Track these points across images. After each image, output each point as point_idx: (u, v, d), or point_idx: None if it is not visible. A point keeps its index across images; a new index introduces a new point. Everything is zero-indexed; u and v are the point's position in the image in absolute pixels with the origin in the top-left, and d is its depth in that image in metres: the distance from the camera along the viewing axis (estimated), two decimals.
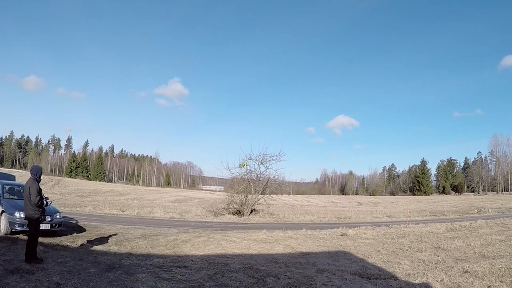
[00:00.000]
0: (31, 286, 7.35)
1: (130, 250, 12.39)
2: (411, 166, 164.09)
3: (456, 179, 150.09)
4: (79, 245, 12.72)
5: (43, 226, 13.01)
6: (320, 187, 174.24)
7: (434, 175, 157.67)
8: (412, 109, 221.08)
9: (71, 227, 16.17)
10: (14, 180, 18.31)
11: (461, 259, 12.40)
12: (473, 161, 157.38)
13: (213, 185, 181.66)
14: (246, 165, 32.38)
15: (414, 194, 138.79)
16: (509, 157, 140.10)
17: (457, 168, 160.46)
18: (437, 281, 9.27)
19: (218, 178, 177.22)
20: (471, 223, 24.12)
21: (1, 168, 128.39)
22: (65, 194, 42.79)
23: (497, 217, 30.38)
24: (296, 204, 57.03)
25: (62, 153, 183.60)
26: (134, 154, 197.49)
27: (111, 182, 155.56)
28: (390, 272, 10.54)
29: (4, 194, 14.54)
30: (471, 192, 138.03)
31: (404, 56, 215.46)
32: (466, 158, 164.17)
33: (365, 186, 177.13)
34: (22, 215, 12.74)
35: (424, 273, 10.19)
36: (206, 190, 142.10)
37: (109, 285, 7.94)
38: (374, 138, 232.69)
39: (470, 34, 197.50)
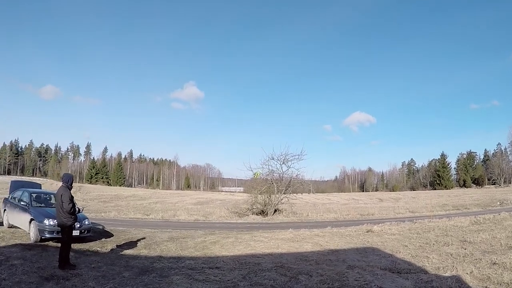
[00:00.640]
0: None
1: (160, 253, 12.48)
2: (430, 160, 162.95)
3: (476, 172, 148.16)
4: (109, 250, 12.83)
5: (72, 233, 13.23)
6: (339, 185, 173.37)
7: (454, 168, 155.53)
8: (428, 103, 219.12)
9: (98, 232, 16.31)
10: (40, 188, 18.53)
11: (488, 251, 12.37)
12: (493, 153, 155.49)
13: (233, 186, 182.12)
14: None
15: (435, 189, 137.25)
16: None
17: (477, 161, 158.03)
18: (467, 274, 9.31)
19: (238, 179, 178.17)
20: (494, 215, 23.96)
21: (26, 177, 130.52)
22: (87, 200, 43.20)
23: None
24: (317, 203, 56.86)
25: (82, 160, 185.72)
26: (153, 158, 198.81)
27: (131, 187, 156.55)
28: (420, 266, 10.56)
29: (32, 202, 14.72)
30: (492, 184, 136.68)
31: (418, 49, 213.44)
32: (485, 150, 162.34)
33: (385, 182, 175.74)
34: (52, 223, 12.96)
35: (453, 266, 10.24)
36: (226, 191, 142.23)
37: None
38: (391, 134, 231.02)
39: (485, 24, 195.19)
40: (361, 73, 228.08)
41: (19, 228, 15.31)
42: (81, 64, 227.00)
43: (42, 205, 15.06)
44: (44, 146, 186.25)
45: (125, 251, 12.79)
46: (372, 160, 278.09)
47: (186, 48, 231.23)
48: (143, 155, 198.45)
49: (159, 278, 9.02)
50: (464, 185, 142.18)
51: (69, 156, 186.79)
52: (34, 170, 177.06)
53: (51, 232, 13.04)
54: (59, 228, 12.54)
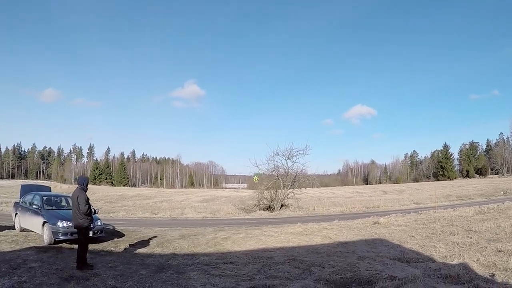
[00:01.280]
0: None
1: (173, 251, 12.70)
2: (433, 151, 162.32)
3: (479, 162, 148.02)
4: (123, 249, 13.04)
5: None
6: (343, 178, 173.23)
7: (457, 159, 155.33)
8: (428, 94, 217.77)
9: (110, 232, 16.49)
10: (50, 191, 18.71)
11: (493, 239, 12.61)
12: (495, 143, 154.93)
13: (236, 183, 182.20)
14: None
15: (438, 180, 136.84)
16: None
17: (480, 151, 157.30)
18: (474, 261, 9.55)
19: (241, 175, 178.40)
20: (498, 205, 24.25)
21: (30, 180, 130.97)
22: (93, 201, 42.88)
23: None
24: (322, 197, 56.89)
25: (85, 162, 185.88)
26: (156, 158, 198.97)
27: (135, 186, 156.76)
28: (428, 256, 10.83)
29: (44, 205, 14.90)
30: (495, 174, 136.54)
31: (417, 41, 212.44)
32: (488, 140, 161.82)
33: (388, 174, 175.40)
34: (65, 225, 13.17)
35: (460, 254, 10.50)
36: (230, 188, 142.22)
37: (164, 285, 8.24)
38: (393, 126, 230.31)
39: (484, 14, 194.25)
40: (360, 66, 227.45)
41: (31, 231, 15.44)
42: (81, 66, 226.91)
43: (54, 207, 15.25)
44: (47, 149, 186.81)
45: (138, 250, 13.01)
46: (374, 152, 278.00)
47: (185, 46, 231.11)
48: (146, 155, 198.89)
49: (176, 274, 9.24)
50: (467, 175, 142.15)
51: (72, 158, 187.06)
52: (37, 173, 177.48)
53: (65, 234, 13.24)
54: (73, 230, 12.84)
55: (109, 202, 44.66)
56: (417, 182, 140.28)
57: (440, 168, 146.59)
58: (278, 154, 33.01)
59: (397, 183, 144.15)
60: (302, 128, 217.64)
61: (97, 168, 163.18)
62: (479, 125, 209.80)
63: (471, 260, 9.65)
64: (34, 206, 15.13)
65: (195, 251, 12.71)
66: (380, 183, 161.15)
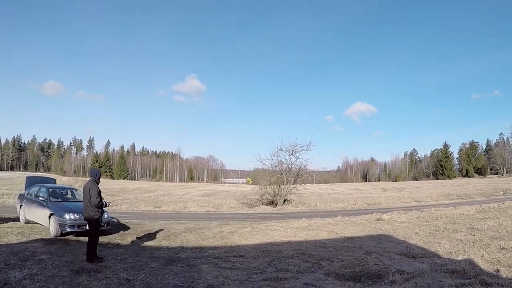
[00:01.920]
0: (103, 284, 7.67)
1: (181, 244, 12.76)
2: (433, 150, 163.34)
3: (479, 162, 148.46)
4: (130, 242, 13.08)
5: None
6: (342, 175, 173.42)
7: (457, 158, 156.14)
8: (429, 93, 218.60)
9: (115, 225, 16.54)
10: (55, 183, 18.73)
11: (496, 237, 12.73)
12: (495, 143, 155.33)
13: (235, 178, 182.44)
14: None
15: (438, 179, 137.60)
16: None
17: (480, 151, 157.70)
18: (478, 257, 9.73)
19: (240, 170, 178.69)
20: (499, 204, 24.46)
21: (30, 172, 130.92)
22: None
23: None
24: (322, 193, 57.14)
25: (85, 154, 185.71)
26: (156, 151, 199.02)
27: (135, 179, 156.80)
28: (433, 251, 10.98)
29: (50, 198, 14.92)
30: (494, 174, 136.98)
31: (419, 39, 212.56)
32: (488, 140, 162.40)
33: (388, 172, 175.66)
34: (72, 217, 13.24)
35: (464, 251, 10.66)
36: (230, 183, 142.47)
37: (176, 277, 8.29)
38: (393, 124, 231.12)
39: (486, 14, 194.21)
40: (361, 63, 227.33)
41: (36, 223, 15.51)
42: (83, 59, 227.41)
43: (59, 199, 15.26)
44: (47, 141, 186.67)
45: (146, 242, 13.06)
46: (374, 150, 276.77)
47: (187, 41, 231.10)
48: (146, 148, 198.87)
49: (187, 267, 9.30)
50: (466, 175, 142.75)
51: (72, 151, 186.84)
52: (37, 165, 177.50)
53: (71, 226, 13.31)
54: (80, 222, 12.98)
55: (110, 195, 44.66)
56: (416, 180, 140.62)
57: (440, 167, 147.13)
58: (281, 150, 33.23)
59: (396, 181, 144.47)
60: (302, 124, 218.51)
61: (97, 161, 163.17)
62: (479, 125, 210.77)
63: (476, 257, 9.80)
64: (40, 198, 15.16)
65: (203, 244, 12.77)
66: (379, 180, 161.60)
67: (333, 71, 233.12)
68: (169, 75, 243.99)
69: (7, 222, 16.30)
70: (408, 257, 10.30)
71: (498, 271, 8.45)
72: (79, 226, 13.38)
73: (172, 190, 65.08)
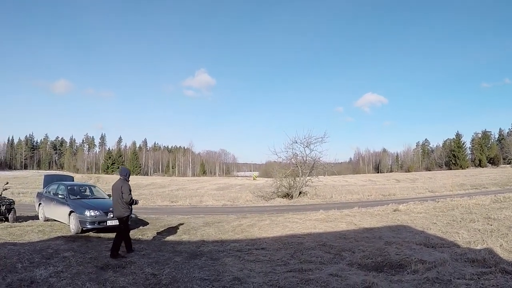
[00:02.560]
0: (130, 279, 7.77)
1: (201, 238, 12.89)
2: (445, 140, 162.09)
3: (491, 151, 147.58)
4: (151, 237, 13.24)
5: (113, 222, 13.61)
6: (354, 167, 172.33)
7: (469, 148, 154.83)
8: (440, 82, 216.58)
9: (133, 221, 16.49)
10: (73, 181, 18.93)
11: None
12: (507, 132, 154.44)
13: (248, 171, 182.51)
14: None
15: (450, 169, 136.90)
16: None
17: (492, 140, 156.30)
18: (497, 246, 9.76)
19: (253, 163, 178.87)
20: None
21: (43, 170, 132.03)
22: (108, 191, 43.42)
23: None
24: (336, 185, 57.04)
25: (97, 151, 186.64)
26: (167, 146, 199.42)
27: (147, 175, 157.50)
28: (452, 241, 11.01)
29: (69, 195, 15.11)
30: (507, 164, 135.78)
31: (428, 28, 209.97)
32: (500, 129, 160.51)
33: (400, 163, 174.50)
34: (92, 214, 13.45)
35: (483, 240, 10.67)
36: (242, 176, 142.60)
37: (201, 271, 8.39)
38: (404, 114, 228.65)
39: (496, 2, 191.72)
40: (371, 54, 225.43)
41: (56, 221, 15.73)
42: (92, 56, 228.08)
43: (78, 197, 15.48)
44: (59, 139, 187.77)
45: (166, 237, 13.21)
46: (386, 141, 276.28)
47: (195, 35, 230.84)
48: (158, 143, 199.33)
49: (211, 261, 9.42)
50: (479, 164, 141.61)
51: (84, 148, 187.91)
52: (50, 163, 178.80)
53: (92, 223, 13.51)
54: (100, 219, 13.20)
55: None
56: (429, 171, 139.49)
57: (452, 157, 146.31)
58: (296, 142, 33.24)
59: (409, 171, 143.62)
60: (313, 116, 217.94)
61: (109, 158, 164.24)
62: (491, 114, 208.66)
63: (495, 246, 9.84)
64: (59, 196, 15.37)
65: (223, 238, 12.89)
66: (391, 171, 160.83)
67: (342, 63, 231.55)
68: (178, 70, 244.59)
69: (26, 221, 16.53)
70: (428, 247, 10.34)
71: None
72: (99, 222, 13.59)
73: (185, 185, 65.33)
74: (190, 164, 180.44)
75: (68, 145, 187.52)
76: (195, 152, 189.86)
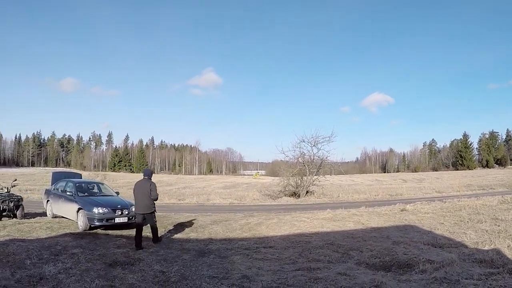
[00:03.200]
0: (138, 276, 7.82)
1: (209, 236, 12.93)
2: (452, 140, 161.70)
3: (499, 152, 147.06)
4: (159, 235, 13.21)
5: (121, 220, 13.85)
6: (361, 166, 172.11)
7: (476, 149, 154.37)
8: (446, 83, 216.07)
9: None
10: (81, 178, 19.01)
11: None
12: None
13: (254, 170, 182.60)
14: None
15: (457, 169, 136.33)
16: None
17: (500, 141, 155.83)
18: (505, 247, 9.75)
19: (259, 162, 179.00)
20: None
21: (50, 167, 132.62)
22: (116, 188, 43.61)
23: None
24: (342, 184, 57.04)
25: (104, 149, 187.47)
26: (174, 144, 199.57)
27: (154, 173, 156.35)
28: (459, 241, 10.99)
29: (77, 192, 15.17)
30: None
31: (434, 29, 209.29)
32: (507, 130, 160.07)
33: (407, 163, 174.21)
34: (101, 211, 13.52)
35: (491, 241, 10.65)
36: (248, 175, 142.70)
37: (210, 269, 8.44)
38: (411, 114, 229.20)
39: (502, 4, 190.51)
40: (378, 54, 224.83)
41: (64, 218, 15.78)
42: (99, 55, 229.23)
43: (86, 194, 15.52)
44: (66, 136, 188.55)
45: (174, 235, 13.28)
46: (392, 140, 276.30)
47: (202, 34, 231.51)
48: (164, 141, 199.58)
49: (219, 258, 9.47)
50: (486, 165, 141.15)
51: (91, 146, 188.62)
52: (57, 160, 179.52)
53: (100, 220, 13.55)
54: (108, 216, 13.41)
55: (131, 189, 44.88)
56: (436, 171, 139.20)
57: (459, 157, 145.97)
58: (304, 141, 33.21)
59: (415, 171, 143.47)
60: (319, 115, 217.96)
61: (116, 155, 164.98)
62: (498, 115, 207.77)
63: (502, 246, 9.83)
64: (67, 193, 15.35)
65: (231, 236, 12.93)
66: (398, 171, 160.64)
67: (349, 63, 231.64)
68: (185, 68, 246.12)
69: (34, 217, 16.62)
70: (435, 247, 10.35)
71: None
72: (107, 219, 13.64)
73: (192, 183, 65.53)
74: (197, 163, 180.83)
75: (75, 142, 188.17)
76: (202, 150, 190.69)
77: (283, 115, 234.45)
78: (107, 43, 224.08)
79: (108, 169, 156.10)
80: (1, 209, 15.77)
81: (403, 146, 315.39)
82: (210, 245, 11.26)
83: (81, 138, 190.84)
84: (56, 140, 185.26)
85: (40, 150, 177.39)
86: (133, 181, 52.52)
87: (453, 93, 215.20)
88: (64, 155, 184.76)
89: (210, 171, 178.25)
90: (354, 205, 23.85)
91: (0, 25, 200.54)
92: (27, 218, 16.19)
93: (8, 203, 15.89)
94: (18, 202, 16.20)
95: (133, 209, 14.38)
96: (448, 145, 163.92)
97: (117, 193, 16.83)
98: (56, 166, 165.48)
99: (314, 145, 32.88)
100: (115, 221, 13.83)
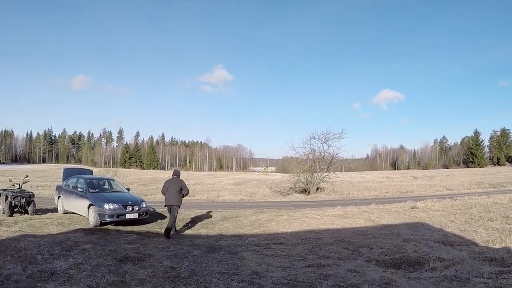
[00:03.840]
0: (149, 272, 7.86)
1: (219, 232, 12.99)
2: (463, 137, 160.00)
3: (510, 150, 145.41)
4: None
5: (131, 216, 13.96)
6: (371, 163, 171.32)
7: (487, 146, 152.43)
8: (457, 79, 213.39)
9: (152, 214, 16.73)
10: (92, 174, 19.10)
11: None
12: None
13: (264, 166, 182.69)
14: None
15: (468, 167, 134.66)
16: None
17: (511, 138, 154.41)
18: None
19: (269, 159, 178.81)
20: None
21: (61, 164, 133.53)
22: (126, 185, 43.77)
23: None
24: (353, 181, 56.74)
25: (115, 145, 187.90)
26: (184, 141, 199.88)
27: (164, 169, 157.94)
28: (470, 239, 10.98)
29: (88, 188, 15.25)
30: None
31: (446, 25, 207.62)
32: None
33: (417, 160, 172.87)
34: (112, 207, 13.62)
35: (501, 239, 10.65)
36: (259, 171, 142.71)
37: (220, 265, 8.48)
38: (421, 111, 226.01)
39: None
40: (388, 50, 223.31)
41: (75, 213, 15.93)
42: (110, 52, 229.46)
43: (97, 190, 15.60)
44: (77, 133, 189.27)
45: (185, 231, 13.36)
46: (403, 137, 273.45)
47: (213, 31, 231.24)
48: (175, 138, 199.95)
49: (229, 255, 9.50)
50: (498, 163, 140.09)
51: (102, 142, 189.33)
52: (68, 157, 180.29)
53: (111, 216, 13.67)
54: (119, 212, 13.71)
55: (142, 185, 45.20)
56: (446, 168, 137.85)
57: (470, 154, 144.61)
58: (314, 138, 33.05)
59: (426, 169, 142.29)
60: (330, 112, 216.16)
61: (127, 152, 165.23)
62: (510, 112, 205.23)
63: None
64: (78, 189, 15.55)
65: (241, 232, 12.97)
66: (408, 168, 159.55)
67: (359, 60, 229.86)
68: (196, 66, 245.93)
69: (45, 213, 16.75)
70: (446, 244, 10.33)
71: None
72: (118, 215, 13.73)
73: (202, 179, 65.44)
74: (207, 159, 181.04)
75: (86, 139, 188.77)
76: (212, 147, 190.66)
77: (293, 112, 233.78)
78: (119, 41, 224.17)
79: (119, 165, 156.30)
80: (13, 205, 15.89)
81: (414, 143, 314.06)
82: (220, 241, 11.31)
83: (92, 135, 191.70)
84: (67, 137, 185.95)
85: (51, 147, 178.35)
86: (144, 177, 52.94)
87: (464, 90, 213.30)
88: (75, 152, 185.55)
89: (220, 168, 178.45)
90: (365, 202, 23.73)
91: (12, 23, 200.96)
92: (38, 214, 16.34)
93: (20, 199, 16.01)
94: (29, 198, 16.30)
95: (144, 205, 14.58)
96: (459, 142, 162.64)
97: (128, 189, 16.89)
98: (67, 162, 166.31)
99: (324, 142, 32.74)
100: (126, 217, 13.94)
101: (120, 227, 13.68)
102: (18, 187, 16.90)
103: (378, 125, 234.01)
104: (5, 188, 17.28)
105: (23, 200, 16.07)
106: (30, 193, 16.70)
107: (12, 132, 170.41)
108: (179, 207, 13.18)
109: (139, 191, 34.24)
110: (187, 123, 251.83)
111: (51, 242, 10.64)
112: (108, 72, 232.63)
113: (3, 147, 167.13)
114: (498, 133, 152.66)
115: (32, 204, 16.32)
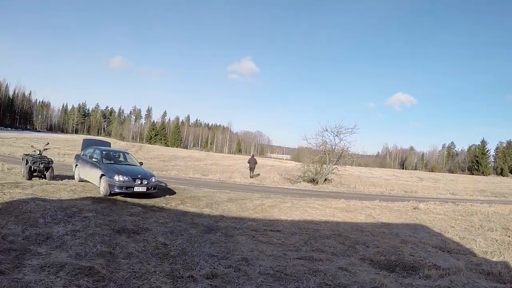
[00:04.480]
0: (140, 246, 7.49)
1: (222, 213, 12.55)
2: (470, 145, 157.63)
3: None
4: (174, 206, 12.94)
5: (139, 189, 13.60)
6: (381, 160, 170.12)
7: (493, 156, 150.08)
8: (468, 90, 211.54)
9: (162, 189, 16.47)
10: (110, 147, 18.77)
11: None
12: None
13: (280, 154, 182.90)
14: (276, 153, 32.87)
15: (472, 174, 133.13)
16: None
17: None
18: None
19: (286, 147, 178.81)
20: None
21: (92, 135, 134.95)
22: (148, 159, 43.67)
23: None
24: (361, 176, 56.02)
25: (143, 122, 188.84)
26: (208, 124, 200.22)
27: (187, 148, 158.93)
28: (468, 248, 10.50)
29: (103, 159, 15.00)
30: None
31: (461, 35, 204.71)
32: None
33: (425, 162, 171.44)
34: (121, 179, 13.34)
35: (500, 252, 10.20)
36: (274, 158, 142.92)
37: (212, 246, 8.03)
38: (432, 116, 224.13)
39: None
40: (406, 56, 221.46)
41: (89, 182, 15.69)
42: (149, 39, 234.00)
43: (112, 162, 15.31)
44: (109, 108, 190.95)
45: (189, 209, 12.87)
46: (413, 139, 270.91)
47: (244, 24, 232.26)
48: (199, 120, 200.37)
49: (224, 237, 9.04)
50: (501, 173, 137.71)
51: (131, 119, 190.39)
52: (99, 130, 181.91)
53: (120, 187, 13.33)
54: (128, 184, 13.43)
55: (162, 161, 45.14)
56: (452, 173, 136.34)
57: (475, 162, 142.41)
58: (327, 130, 32.27)
59: (432, 171, 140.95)
60: (346, 108, 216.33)
61: (153, 129, 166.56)
62: None
63: (511, 260, 9.29)
64: (93, 159, 15.30)
65: (243, 215, 12.53)
66: (415, 169, 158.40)
67: (378, 62, 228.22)
68: (225, 55, 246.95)
69: (62, 180, 16.52)
70: (443, 251, 9.81)
71: None
72: (127, 187, 13.43)
73: (220, 161, 65.49)
74: (227, 142, 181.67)
75: (116, 114, 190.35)
76: (233, 131, 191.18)
77: (311, 105, 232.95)
78: (158, 29, 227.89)
79: (145, 141, 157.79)
80: (32, 169, 15.87)
81: (423, 146, 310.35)
82: (219, 222, 10.86)
83: (123, 111, 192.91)
84: (99, 111, 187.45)
85: (84, 119, 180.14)
86: (166, 154, 52.90)
87: (474, 101, 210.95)
88: (105, 126, 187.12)
89: (239, 151, 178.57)
90: (369, 197, 23.19)
91: (61, 7, 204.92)
92: (55, 180, 16.14)
93: (39, 164, 15.97)
94: (48, 164, 16.20)
95: (153, 180, 14.33)
96: (466, 150, 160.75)
97: (141, 163, 16.54)
98: (98, 134, 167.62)
99: (336, 135, 32.03)
100: (134, 190, 13.63)
101: (128, 199, 13.36)
102: (38, 153, 16.83)
103: (390, 125, 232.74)
104: (27, 153, 17.31)
105: (41, 166, 16.01)
106: (49, 160, 16.56)
107: (49, 103, 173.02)
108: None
109: (157, 166, 34.09)
110: (212, 107, 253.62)
111: (57, 207, 10.34)
112: (144, 56, 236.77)
113: (40, 116, 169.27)
114: (504, 145, 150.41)
115: (50, 170, 16.21)
